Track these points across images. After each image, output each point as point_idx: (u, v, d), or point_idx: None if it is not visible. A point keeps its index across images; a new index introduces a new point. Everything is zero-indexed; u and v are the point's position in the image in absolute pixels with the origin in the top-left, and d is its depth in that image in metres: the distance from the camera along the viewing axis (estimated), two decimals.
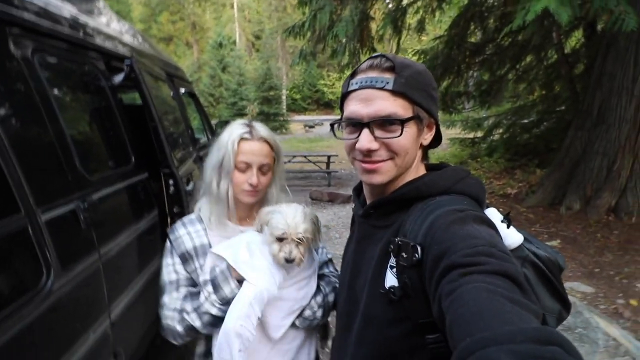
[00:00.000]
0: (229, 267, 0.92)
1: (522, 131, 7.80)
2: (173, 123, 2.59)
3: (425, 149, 0.75)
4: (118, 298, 1.64)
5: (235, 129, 1.00)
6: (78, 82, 1.74)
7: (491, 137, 8.43)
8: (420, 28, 7.07)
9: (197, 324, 0.95)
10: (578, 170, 4.97)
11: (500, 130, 8.26)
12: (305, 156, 7.89)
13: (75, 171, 1.43)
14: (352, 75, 0.69)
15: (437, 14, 6.98)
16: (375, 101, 0.63)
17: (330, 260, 1.16)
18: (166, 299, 1.01)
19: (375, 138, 0.64)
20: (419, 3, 6.79)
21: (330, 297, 1.04)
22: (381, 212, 0.73)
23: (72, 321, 1.27)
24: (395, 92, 0.62)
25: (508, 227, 0.66)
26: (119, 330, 1.58)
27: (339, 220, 5.28)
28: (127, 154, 1.99)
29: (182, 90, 3.40)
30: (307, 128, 19.93)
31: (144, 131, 2.13)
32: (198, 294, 0.98)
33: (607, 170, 4.69)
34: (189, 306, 0.97)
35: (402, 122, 0.63)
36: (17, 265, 1.09)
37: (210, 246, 1.03)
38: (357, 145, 0.66)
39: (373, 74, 0.64)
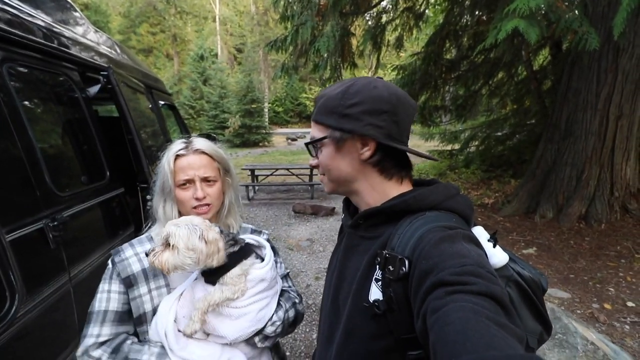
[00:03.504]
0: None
1: (497, 143, 8.13)
2: (151, 135, 2.52)
3: (393, 166, 0.72)
4: None
5: (172, 148, 0.94)
6: (50, 93, 1.67)
7: (468, 149, 8.73)
8: (399, 45, 7.34)
9: None
10: (549, 180, 5.21)
11: (476, 143, 8.58)
12: (287, 169, 7.85)
13: (45, 187, 1.36)
14: None
15: (415, 31, 7.29)
16: (311, 129, 0.78)
17: (288, 274, 1.12)
18: (87, 330, 0.85)
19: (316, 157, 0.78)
20: (397, 21, 7.06)
21: (291, 313, 0.99)
22: (370, 223, 0.73)
23: (39, 350, 1.18)
24: (313, 121, 0.76)
25: (494, 246, 0.66)
26: None
27: (322, 233, 5.25)
28: (102, 168, 1.91)
29: (162, 102, 3.34)
30: (289, 141, 19.98)
31: (121, 144, 2.06)
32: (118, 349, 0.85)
33: (576, 180, 4.94)
34: None
35: (310, 143, 0.76)
36: None
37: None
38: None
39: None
